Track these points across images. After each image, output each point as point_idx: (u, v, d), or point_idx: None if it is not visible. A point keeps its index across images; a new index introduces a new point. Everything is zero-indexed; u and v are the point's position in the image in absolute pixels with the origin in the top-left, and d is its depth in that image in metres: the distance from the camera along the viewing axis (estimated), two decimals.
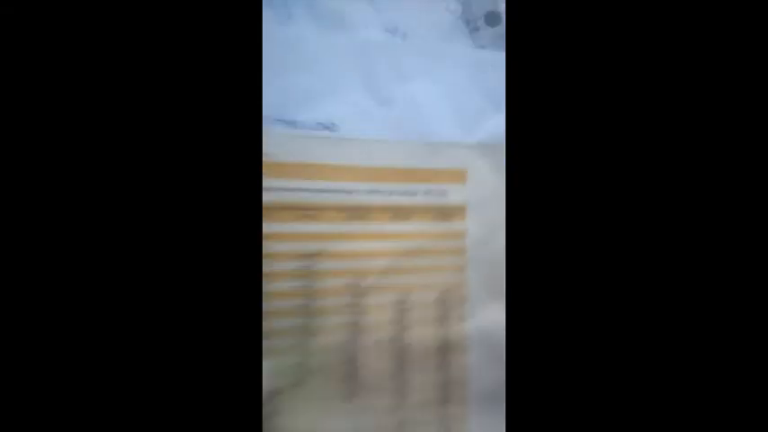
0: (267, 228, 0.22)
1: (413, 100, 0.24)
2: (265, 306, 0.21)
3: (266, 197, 0.22)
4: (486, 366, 0.23)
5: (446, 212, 0.24)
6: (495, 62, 0.25)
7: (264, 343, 0.21)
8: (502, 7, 0.25)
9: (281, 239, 0.22)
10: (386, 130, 0.23)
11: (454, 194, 0.24)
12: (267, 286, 0.22)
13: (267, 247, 0.22)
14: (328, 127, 0.23)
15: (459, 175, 0.24)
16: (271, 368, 0.21)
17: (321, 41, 0.24)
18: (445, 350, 0.23)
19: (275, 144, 0.22)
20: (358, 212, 0.23)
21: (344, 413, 0.22)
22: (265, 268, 0.22)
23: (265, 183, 0.22)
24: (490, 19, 0.26)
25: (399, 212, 0.23)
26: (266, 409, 0.21)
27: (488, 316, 0.23)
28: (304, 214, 0.22)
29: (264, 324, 0.21)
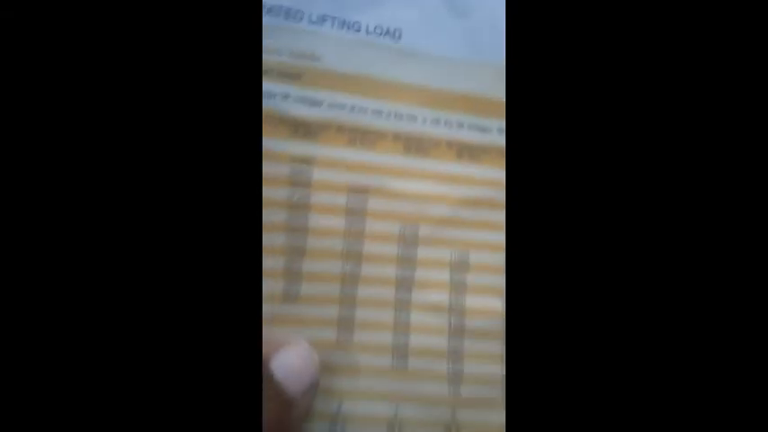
0: (314, 150, 0.18)
1: (494, 14, 0.19)
2: (308, 243, 0.18)
3: (316, 112, 0.18)
4: None
5: None
6: None
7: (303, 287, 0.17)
8: None
9: (330, 167, 0.18)
10: (460, 47, 0.19)
11: None
12: (310, 220, 0.18)
13: (314, 174, 0.18)
14: (391, 34, 0.18)
15: None
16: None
17: None
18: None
19: (329, 48, 0.18)
20: (419, 145, 0.19)
21: (392, 377, 0.18)
22: (312, 200, 0.18)
23: (314, 94, 0.18)
24: None
25: (468, 151, 0.19)
26: None
27: None
28: (357, 138, 0.18)
29: (304, 265, 0.18)
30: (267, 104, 0.18)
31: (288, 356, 0.17)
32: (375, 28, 0.18)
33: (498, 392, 0.19)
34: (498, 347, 0.19)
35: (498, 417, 0.18)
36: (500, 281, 0.19)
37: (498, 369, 0.19)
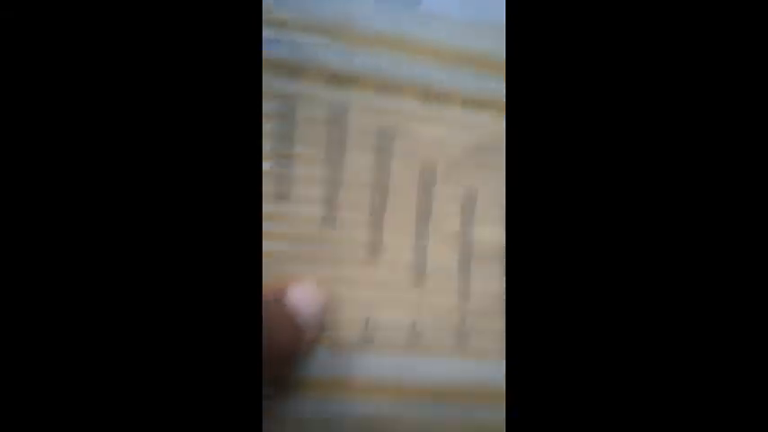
0: (348, 97, 0.21)
1: None
2: (343, 176, 0.21)
3: (348, 65, 0.21)
4: None
5: None
6: None
7: (338, 213, 0.20)
8: None
9: (362, 112, 0.21)
10: (475, 11, 0.22)
11: None
12: (347, 155, 0.21)
13: (350, 117, 0.21)
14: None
15: None
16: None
17: None
18: None
19: (359, 11, 0.21)
20: (436, 96, 0.22)
21: (412, 292, 0.21)
22: (348, 139, 0.21)
23: (348, 49, 0.21)
24: None
25: (479, 103, 0.22)
26: None
27: None
28: (384, 88, 0.21)
29: (340, 195, 0.21)
30: (308, 56, 0.21)
31: (297, 289, 0.19)
32: None
33: (499, 305, 0.22)
34: (499, 267, 0.22)
35: (499, 324, 0.22)
36: (502, 212, 0.22)
37: (499, 285, 0.22)
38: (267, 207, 0.20)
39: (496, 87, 0.22)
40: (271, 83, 0.20)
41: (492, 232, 0.22)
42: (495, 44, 0.22)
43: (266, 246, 0.19)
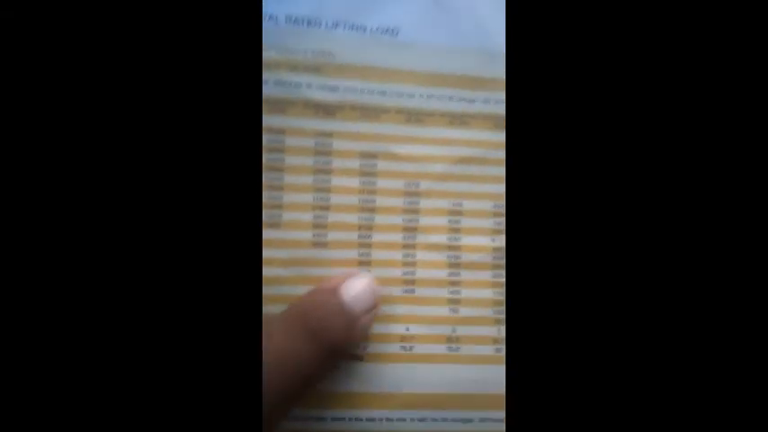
0: (333, 126, 0.22)
1: (474, 7, 0.24)
2: (331, 200, 0.22)
3: (333, 96, 0.22)
4: None
5: (504, 122, 0.24)
6: None
7: (328, 235, 0.22)
8: None
9: (345, 138, 0.23)
10: (446, 36, 0.23)
11: None
12: (332, 181, 0.22)
13: (334, 144, 0.22)
14: (391, 31, 0.23)
15: None
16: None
17: None
18: (501, 263, 0.23)
19: (341, 46, 0.22)
20: (417, 116, 0.23)
21: (403, 303, 0.23)
22: (333, 165, 0.22)
23: (332, 83, 0.22)
24: None
25: (457, 118, 0.23)
26: None
27: None
28: (367, 114, 0.23)
29: (329, 217, 0.22)
30: (295, 93, 0.22)
31: (354, 283, 0.20)
32: (377, 28, 0.23)
33: (488, 313, 0.23)
34: (487, 276, 0.23)
35: (488, 332, 0.23)
36: (488, 223, 0.23)
37: (488, 294, 0.23)
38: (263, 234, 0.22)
39: (473, 103, 0.23)
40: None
41: (478, 241, 0.23)
42: (469, 64, 0.23)
43: (264, 271, 0.21)
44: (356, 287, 0.20)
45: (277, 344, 0.18)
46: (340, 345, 0.20)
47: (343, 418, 0.22)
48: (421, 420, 0.22)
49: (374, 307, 0.21)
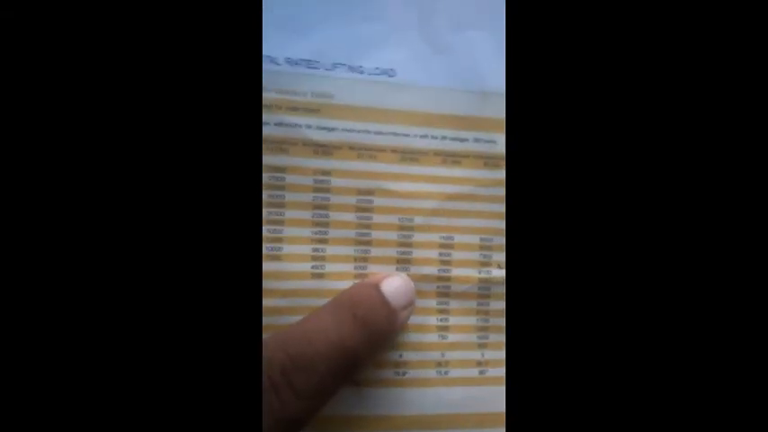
0: (331, 165, 0.24)
1: (468, 49, 0.25)
2: (329, 233, 0.24)
3: (331, 136, 0.24)
4: None
5: (494, 161, 0.25)
6: None
7: (326, 267, 0.24)
8: None
9: (343, 176, 0.24)
10: (441, 78, 0.25)
11: (503, 143, 0.25)
12: (331, 216, 0.24)
13: (333, 182, 0.24)
14: (387, 72, 0.24)
15: None
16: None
17: None
18: (486, 293, 0.25)
19: (340, 88, 0.24)
20: (411, 155, 0.24)
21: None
22: (332, 201, 0.24)
23: (330, 123, 0.24)
24: None
25: (449, 157, 0.25)
26: None
27: None
28: (363, 154, 0.24)
29: (327, 250, 0.24)
30: (295, 133, 0.24)
31: (394, 279, 0.22)
32: (374, 69, 0.24)
33: (473, 338, 0.25)
34: (473, 305, 0.25)
35: (473, 356, 0.25)
36: (475, 256, 0.25)
37: (473, 321, 0.25)
38: (264, 266, 0.23)
39: (464, 142, 0.25)
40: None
41: (466, 273, 0.25)
42: (462, 104, 0.25)
43: (264, 302, 0.23)
44: (395, 283, 0.22)
45: (327, 330, 0.20)
46: (384, 334, 0.21)
47: None
48: None
49: (411, 303, 0.23)
